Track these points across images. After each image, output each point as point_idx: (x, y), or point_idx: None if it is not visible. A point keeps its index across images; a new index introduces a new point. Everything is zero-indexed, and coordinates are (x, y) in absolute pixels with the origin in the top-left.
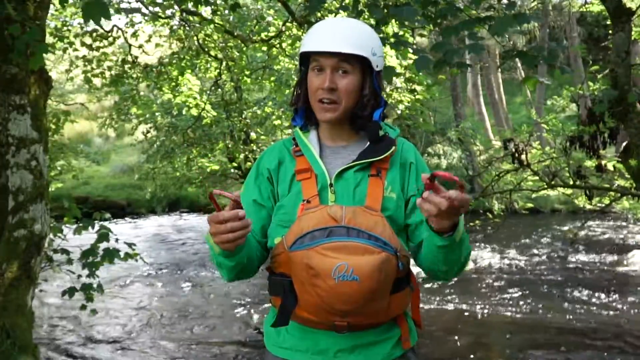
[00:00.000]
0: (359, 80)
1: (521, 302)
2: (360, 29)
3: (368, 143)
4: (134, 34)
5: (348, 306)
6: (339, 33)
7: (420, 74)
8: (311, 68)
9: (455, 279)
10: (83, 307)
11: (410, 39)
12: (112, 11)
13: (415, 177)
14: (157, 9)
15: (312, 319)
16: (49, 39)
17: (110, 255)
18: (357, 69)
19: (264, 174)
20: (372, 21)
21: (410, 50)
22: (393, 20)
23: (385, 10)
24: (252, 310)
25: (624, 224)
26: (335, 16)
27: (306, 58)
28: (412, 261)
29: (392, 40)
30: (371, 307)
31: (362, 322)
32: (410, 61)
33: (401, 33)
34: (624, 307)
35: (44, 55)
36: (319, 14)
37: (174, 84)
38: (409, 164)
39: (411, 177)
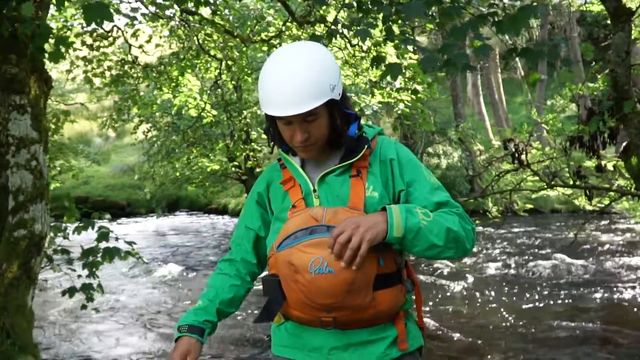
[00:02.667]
0: (328, 116)
1: (522, 303)
2: (313, 71)
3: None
4: (134, 34)
5: (327, 299)
6: (293, 90)
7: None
8: (277, 119)
9: (457, 279)
10: (84, 307)
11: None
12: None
13: (399, 171)
14: (157, 9)
15: (300, 316)
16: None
17: (111, 254)
18: (324, 108)
19: (254, 197)
20: (379, 20)
21: (411, 50)
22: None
23: (393, 9)
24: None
25: (623, 224)
26: (338, 12)
27: None
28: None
29: (400, 37)
30: (352, 301)
31: (347, 317)
32: (411, 60)
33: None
34: (625, 307)
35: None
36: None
37: (174, 84)
38: (389, 161)
39: (395, 172)
